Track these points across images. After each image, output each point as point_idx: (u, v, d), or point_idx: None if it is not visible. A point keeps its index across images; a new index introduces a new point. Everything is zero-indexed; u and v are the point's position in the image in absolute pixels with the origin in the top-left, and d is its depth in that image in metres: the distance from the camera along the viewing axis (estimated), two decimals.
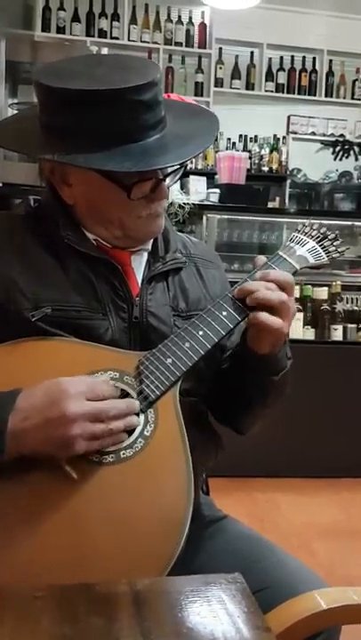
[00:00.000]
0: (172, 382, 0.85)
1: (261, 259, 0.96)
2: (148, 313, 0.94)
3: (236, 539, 0.99)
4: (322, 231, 1.01)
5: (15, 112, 3.37)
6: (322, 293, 2.91)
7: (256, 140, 5.23)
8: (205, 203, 3.37)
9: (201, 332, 0.87)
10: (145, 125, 0.86)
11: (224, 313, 0.90)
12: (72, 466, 0.78)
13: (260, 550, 0.96)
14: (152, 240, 0.99)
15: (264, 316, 0.87)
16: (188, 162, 0.94)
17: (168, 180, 0.91)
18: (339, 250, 1.00)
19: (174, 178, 0.93)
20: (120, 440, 0.81)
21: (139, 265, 0.97)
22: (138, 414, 0.83)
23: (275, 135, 5.20)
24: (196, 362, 0.86)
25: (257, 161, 5.11)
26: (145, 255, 0.98)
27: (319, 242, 1.00)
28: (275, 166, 5.12)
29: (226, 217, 3.43)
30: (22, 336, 0.86)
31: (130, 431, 0.82)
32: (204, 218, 3.31)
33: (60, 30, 5.00)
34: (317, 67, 5.44)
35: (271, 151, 5.13)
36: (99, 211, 0.92)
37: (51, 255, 0.92)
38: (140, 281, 0.96)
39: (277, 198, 4.90)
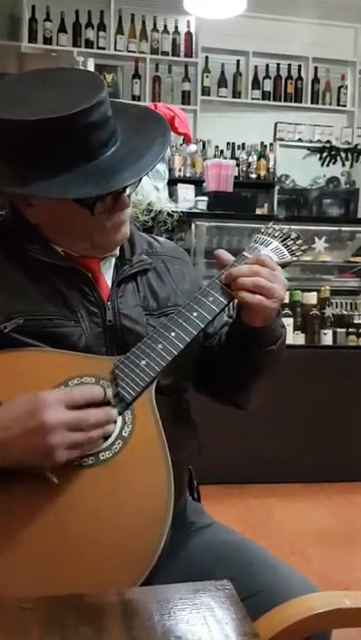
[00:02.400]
0: (147, 383, 0.87)
1: (222, 252, 0.99)
2: (120, 315, 0.95)
3: (225, 545, 0.99)
4: (284, 231, 1.04)
5: None
6: (311, 298, 2.93)
7: (243, 148, 5.26)
8: (194, 210, 3.38)
9: (173, 334, 0.90)
10: (99, 144, 0.88)
11: (210, 299, 0.93)
12: (52, 470, 0.79)
13: (250, 556, 0.96)
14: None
15: (244, 295, 0.91)
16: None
17: (128, 190, 0.93)
18: (302, 248, 1.03)
19: (134, 187, 0.95)
20: (96, 445, 0.82)
21: (107, 269, 1.00)
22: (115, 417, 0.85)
23: (262, 142, 5.23)
24: (171, 361, 0.88)
25: (245, 168, 5.14)
26: (113, 260, 1.01)
27: (282, 241, 1.03)
28: (262, 173, 5.14)
29: (215, 224, 3.44)
30: None
31: (106, 436, 0.83)
32: (193, 225, 3.32)
33: (47, 41, 5.02)
34: (303, 74, 5.49)
35: (259, 158, 5.15)
36: (64, 228, 0.94)
37: (19, 269, 0.93)
38: (109, 285, 0.98)
39: (266, 205, 4.93)
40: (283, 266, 0.99)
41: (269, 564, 0.95)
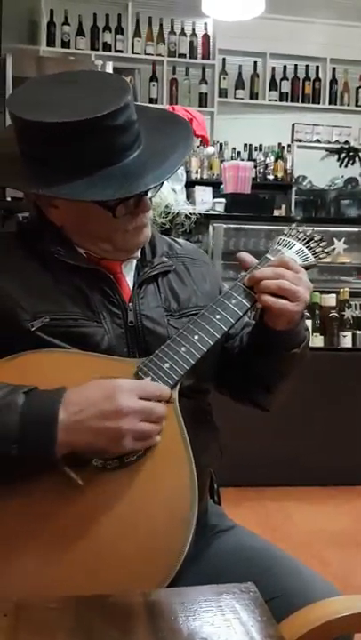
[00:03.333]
0: (170, 386, 0.87)
1: (245, 255, 0.99)
2: (142, 316, 0.96)
3: (248, 548, 0.99)
4: (308, 233, 1.03)
5: None
6: (330, 300, 2.91)
7: (261, 149, 5.25)
8: (211, 212, 3.38)
9: (196, 336, 0.90)
10: (122, 147, 0.89)
11: (233, 301, 0.93)
12: (76, 472, 0.79)
13: (272, 559, 0.96)
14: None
15: (267, 298, 0.91)
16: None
17: (150, 194, 0.94)
18: (326, 250, 1.02)
19: (156, 190, 0.95)
20: (155, 443, 0.83)
21: (129, 271, 1.00)
22: None
23: (279, 143, 5.22)
24: (194, 365, 0.88)
25: (262, 169, 5.13)
26: (134, 262, 1.01)
27: (306, 243, 1.02)
28: (280, 174, 5.13)
29: (232, 226, 3.44)
30: (23, 348, 0.88)
31: None
32: (211, 227, 3.32)
33: (65, 45, 5.06)
34: (321, 75, 5.47)
35: (276, 159, 5.14)
36: (86, 230, 0.95)
37: (44, 270, 0.94)
38: (131, 286, 0.99)
39: (283, 206, 4.91)
40: (306, 268, 0.98)
41: (292, 567, 0.95)
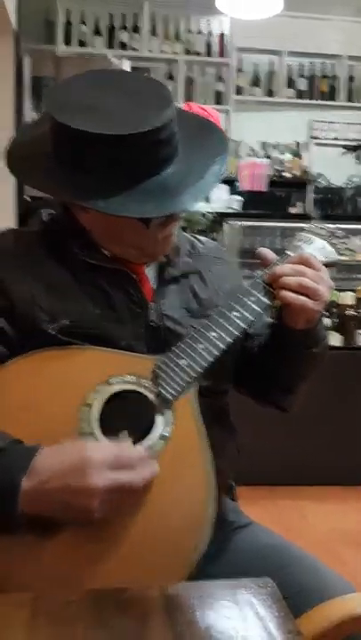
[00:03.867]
0: (188, 383, 0.86)
1: (265, 251, 0.97)
2: (163, 316, 0.95)
3: (264, 544, 0.99)
4: (330, 229, 1.01)
5: None
6: (347, 298, 2.89)
7: (277, 147, 5.22)
8: (227, 210, 3.38)
9: (214, 333, 0.89)
10: (162, 161, 0.87)
11: (252, 298, 0.91)
12: None
13: (289, 556, 0.96)
14: None
15: (287, 294, 0.90)
16: None
17: None
18: (348, 247, 1.01)
19: None
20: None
21: (151, 271, 1.00)
22: (156, 415, 0.85)
23: (296, 141, 5.19)
24: (212, 362, 0.88)
25: (278, 167, 5.10)
26: (156, 262, 1.01)
27: (327, 240, 1.00)
28: (296, 172, 5.10)
29: (248, 224, 3.44)
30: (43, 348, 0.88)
31: (149, 432, 0.84)
32: (226, 225, 3.32)
33: (82, 44, 5.07)
34: (338, 72, 5.43)
35: (293, 157, 5.12)
36: (117, 237, 0.94)
37: (65, 269, 0.94)
38: (152, 286, 0.98)
39: (300, 204, 4.89)
40: (327, 265, 0.96)
41: (309, 564, 0.94)
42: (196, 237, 1.11)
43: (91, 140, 0.83)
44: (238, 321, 0.90)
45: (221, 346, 0.88)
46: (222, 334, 0.89)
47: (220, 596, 0.66)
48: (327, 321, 2.79)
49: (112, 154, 0.84)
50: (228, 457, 0.99)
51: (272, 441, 2.61)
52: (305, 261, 0.92)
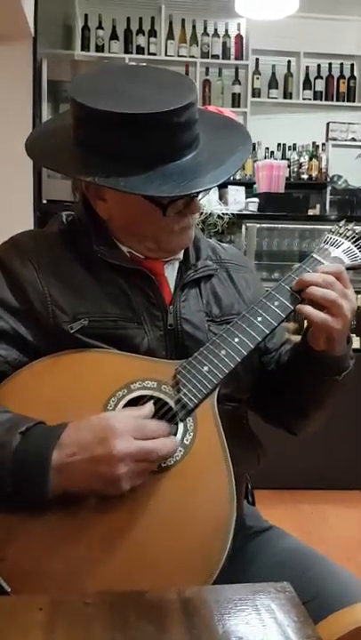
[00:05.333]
0: (209, 390, 0.85)
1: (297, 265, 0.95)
2: (182, 320, 0.95)
3: (283, 549, 0.98)
4: (357, 231, 0.98)
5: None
6: None
7: (295, 149, 5.20)
8: (244, 212, 3.36)
9: (237, 339, 0.88)
10: (182, 145, 0.87)
11: (276, 303, 0.90)
12: None
13: (308, 561, 0.94)
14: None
15: (307, 309, 0.88)
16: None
17: (200, 195, 0.92)
18: None
19: (206, 192, 0.93)
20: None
21: (171, 273, 0.99)
22: (177, 423, 0.84)
23: (314, 142, 5.17)
24: (233, 369, 0.86)
25: (296, 169, 5.09)
26: (177, 264, 1.00)
27: (354, 242, 0.97)
28: (314, 173, 5.08)
29: (265, 226, 3.41)
30: (62, 348, 0.88)
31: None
32: (244, 227, 3.30)
33: (99, 49, 5.12)
34: (356, 73, 5.39)
35: (310, 159, 5.09)
36: (133, 226, 0.94)
37: (85, 269, 0.94)
38: (172, 289, 0.97)
39: (318, 206, 4.86)
40: (354, 268, 0.94)
41: (329, 569, 0.93)
42: (218, 243, 1.10)
43: (111, 120, 0.83)
44: (262, 326, 0.89)
45: (244, 352, 0.87)
46: (245, 340, 0.88)
47: (238, 600, 0.65)
48: None
49: (132, 135, 0.84)
50: (248, 463, 0.98)
51: (293, 445, 2.57)
52: (337, 274, 0.89)
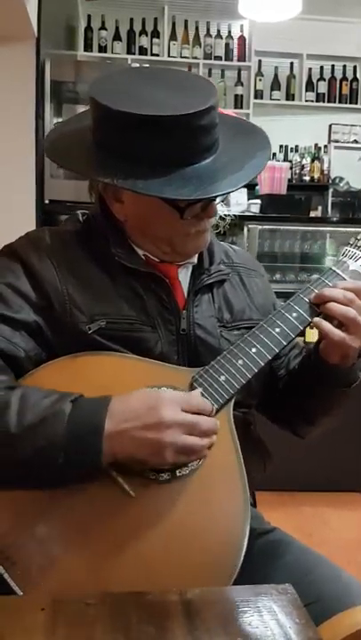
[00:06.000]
0: (226, 400, 0.85)
1: (315, 277, 0.95)
2: (195, 325, 0.94)
3: (286, 551, 0.98)
4: None
5: None
6: None
7: (297, 150, 5.20)
8: (246, 213, 3.36)
9: (254, 350, 0.87)
10: (202, 149, 0.87)
11: (294, 314, 0.90)
12: (128, 483, 0.79)
13: (311, 563, 0.94)
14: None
15: (326, 326, 0.88)
16: None
17: (218, 199, 0.91)
18: None
19: (224, 196, 0.93)
20: (203, 457, 0.81)
21: (184, 277, 0.99)
22: None
23: (316, 144, 5.17)
24: (250, 379, 0.86)
25: (298, 171, 5.08)
26: (190, 268, 1.00)
27: None
28: (316, 175, 5.08)
29: (267, 227, 3.42)
30: (77, 349, 0.87)
31: None
32: (245, 229, 3.31)
33: (102, 49, 5.11)
34: (358, 75, 5.39)
35: (313, 160, 5.09)
36: (149, 228, 0.94)
37: (102, 271, 0.93)
38: (186, 293, 0.97)
39: (319, 207, 4.86)
40: None
41: (331, 572, 0.92)
42: (230, 246, 1.10)
43: (131, 122, 0.83)
44: (279, 337, 0.89)
45: (261, 363, 0.87)
46: (263, 350, 0.88)
47: (240, 601, 0.65)
48: None
49: (152, 137, 0.84)
50: (255, 469, 0.97)
51: (294, 447, 2.58)
52: (358, 291, 0.89)
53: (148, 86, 0.88)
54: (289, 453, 2.59)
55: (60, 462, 0.76)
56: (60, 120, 3.51)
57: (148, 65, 4.84)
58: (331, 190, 5.05)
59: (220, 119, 0.90)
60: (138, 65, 4.64)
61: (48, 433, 0.76)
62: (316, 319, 0.89)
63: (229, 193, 0.89)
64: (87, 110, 0.92)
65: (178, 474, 0.81)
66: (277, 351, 0.88)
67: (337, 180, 5.20)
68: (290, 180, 4.24)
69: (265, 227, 3.40)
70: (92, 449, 0.76)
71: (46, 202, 3.24)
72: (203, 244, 0.97)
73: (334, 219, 4.17)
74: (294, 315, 0.90)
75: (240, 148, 0.91)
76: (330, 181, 5.09)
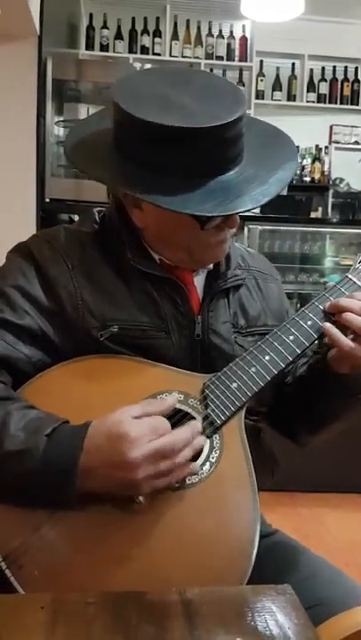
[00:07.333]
0: (237, 407, 0.84)
1: (331, 284, 0.94)
2: (209, 330, 0.93)
3: (287, 554, 0.97)
4: None
5: (61, 129, 3.45)
6: None
7: (298, 151, 5.20)
8: (247, 214, 3.36)
9: (268, 357, 0.87)
10: (227, 161, 0.84)
11: (309, 322, 0.89)
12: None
13: (312, 566, 0.94)
14: None
15: (336, 335, 0.87)
16: None
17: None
18: None
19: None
20: (192, 470, 0.79)
21: (200, 282, 0.97)
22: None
23: (317, 145, 5.17)
24: (263, 387, 0.85)
25: (299, 171, 5.09)
26: (205, 272, 0.98)
27: None
28: (317, 176, 5.08)
29: (268, 228, 3.42)
30: (87, 353, 0.86)
31: (195, 457, 0.80)
32: (246, 229, 3.31)
33: (104, 48, 5.11)
34: (360, 76, 5.39)
35: (313, 161, 5.10)
36: (168, 236, 0.92)
37: (117, 274, 0.92)
38: (200, 298, 0.96)
39: (320, 208, 4.86)
40: None
41: (332, 576, 0.92)
42: (246, 249, 1.09)
43: (155, 132, 0.80)
44: (293, 345, 0.88)
45: (274, 371, 0.86)
46: (276, 358, 0.87)
47: (239, 601, 0.65)
48: None
49: (177, 148, 0.81)
50: (260, 479, 0.96)
51: (292, 447, 2.58)
52: None
53: (174, 90, 0.84)
54: (287, 454, 2.59)
55: (30, 496, 0.75)
56: (61, 119, 3.51)
57: (158, 66, 4.84)
58: (331, 191, 5.06)
59: (248, 124, 0.87)
60: (150, 66, 4.64)
61: (17, 471, 0.74)
62: (328, 324, 0.88)
63: (253, 209, 0.86)
64: (108, 109, 0.89)
65: (187, 482, 0.80)
66: (291, 359, 0.87)
67: (337, 182, 5.20)
68: (290, 181, 4.25)
69: (265, 227, 3.40)
70: (62, 490, 0.74)
71: (47, 200, 3.23)
72: (221, 254, 0.95)
73: (334, 220, 4.18)
74: (309, 323, 0.89)
75: (266, 160, 0.88)
76: (330, 182, 5.10)
